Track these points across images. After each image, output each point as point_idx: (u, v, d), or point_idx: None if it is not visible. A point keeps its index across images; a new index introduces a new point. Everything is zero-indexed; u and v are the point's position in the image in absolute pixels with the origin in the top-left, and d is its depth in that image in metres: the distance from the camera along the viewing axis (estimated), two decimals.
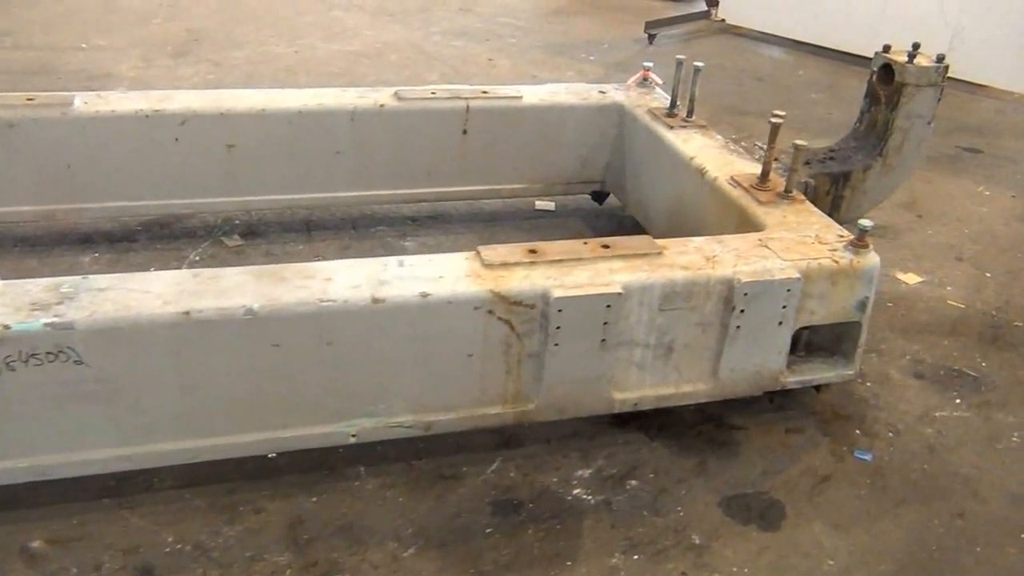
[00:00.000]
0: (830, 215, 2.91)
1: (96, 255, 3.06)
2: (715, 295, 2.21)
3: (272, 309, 1.92)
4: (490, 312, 2.05)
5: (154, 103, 2.97)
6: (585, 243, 2.25)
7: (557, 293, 2.06)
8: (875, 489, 2.28)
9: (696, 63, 3.03)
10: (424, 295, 2.00)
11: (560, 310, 2.07)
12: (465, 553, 2.01)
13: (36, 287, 1.90)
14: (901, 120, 2.97)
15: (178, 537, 1.98)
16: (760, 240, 2.35)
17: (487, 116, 3.25)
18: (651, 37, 6.25)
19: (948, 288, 3.29)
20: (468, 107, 3.22)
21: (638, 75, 3.49)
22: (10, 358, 1.79)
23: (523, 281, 2.08)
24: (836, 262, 2.29)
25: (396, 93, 3.19)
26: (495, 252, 2.16)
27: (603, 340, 2.15)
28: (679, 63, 3.07)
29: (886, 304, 3.13)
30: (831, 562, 2.05)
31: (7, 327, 1.78)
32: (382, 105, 3.14)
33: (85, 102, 2.92)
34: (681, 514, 2.16)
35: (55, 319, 1.81)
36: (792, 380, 2.41)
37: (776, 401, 2.54)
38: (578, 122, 3.34)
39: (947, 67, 2.91)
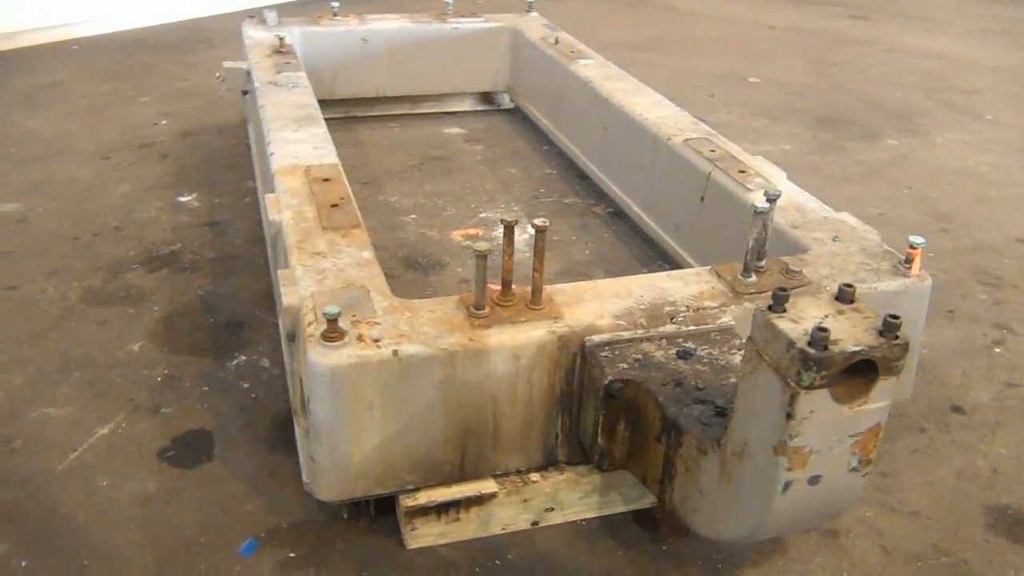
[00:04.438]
0: (662, 489, 1.92)
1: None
2: None
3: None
4: None
5: (595, 77, 3.75)
6: None
7: None
8: None
9: (759, 204, 2.07)
10: None
11: None
12: None
13: None
14: (740, 404, 1.50)
15: None
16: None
17: (720, 193, 2.80)
18: None
19: None
20: (709, 175, 2.85)
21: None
22: None
23: None
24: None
25: (689, 140, 3.06)
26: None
27: None
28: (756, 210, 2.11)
29: None
30: None
31: None
32: (669, 139, 3.10)
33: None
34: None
35: None
36: None
37: None
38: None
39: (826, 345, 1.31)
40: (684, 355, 1.93)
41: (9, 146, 4.20)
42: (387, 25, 4.48)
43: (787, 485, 1.44)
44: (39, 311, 2.89)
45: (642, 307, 2.05)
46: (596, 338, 1.96)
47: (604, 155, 3.66)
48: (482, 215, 3.69)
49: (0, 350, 2.68)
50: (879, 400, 1.40)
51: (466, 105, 4.86)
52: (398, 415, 1.91)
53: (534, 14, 4.76)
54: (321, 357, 1.83)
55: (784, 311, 1.42)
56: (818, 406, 1.37)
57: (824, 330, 1.32)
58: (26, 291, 3.00)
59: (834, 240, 2.39)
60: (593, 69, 3.85)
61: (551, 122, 4.23)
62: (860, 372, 1.39)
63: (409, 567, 2.00)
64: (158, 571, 1.95)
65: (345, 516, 2.09)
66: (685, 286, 2.14)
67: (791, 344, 1.35)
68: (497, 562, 2.02)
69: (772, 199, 2.11)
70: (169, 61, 5.65)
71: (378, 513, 2.10)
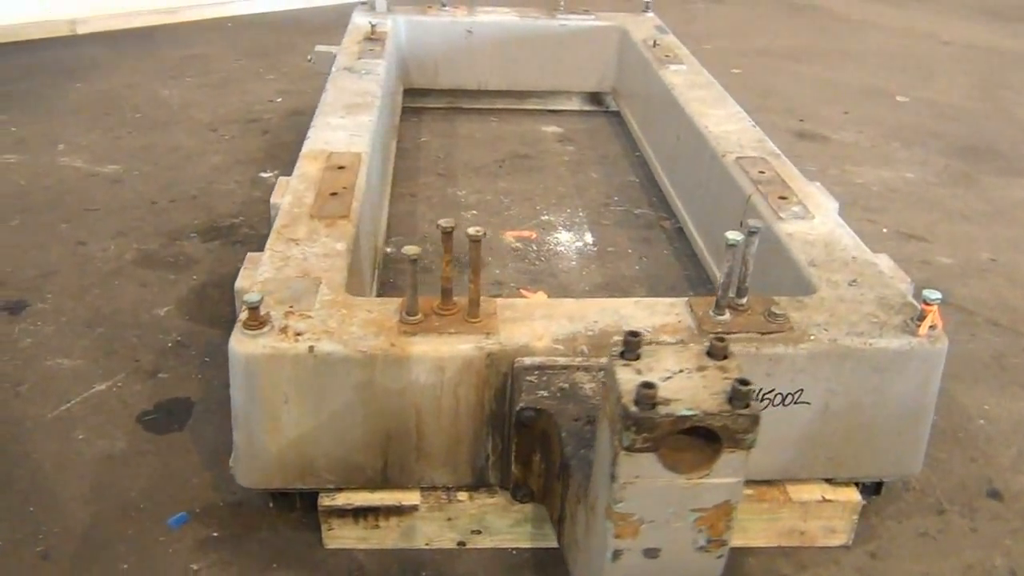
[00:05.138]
0: (558, 532, 1.81)
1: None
2: None
3: None
4: None
5: (678, 84, 3.54)
6: None
7: None
8: None
9: (731, 237, 1.86)
10: None
11: None
12: None
13: None
14: (596, 457, 1.35)
15: None
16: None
17: (754, 218, 2.55)
18: None
19: None
20: (749, 199, 2.61)
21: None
22: None
23: None
24: None
25: (742, 158, 2.81)
26: None
27: None
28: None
29: None
30: None
31: None
32: (723, 156, 2.87)
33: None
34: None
35: None
36: None
37: None
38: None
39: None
40: None
41: (135, 112, 4.54)
42: (493, 18, 4.45)
43: (617, 553, 1.28)
44: (93, 267, 3.09)
45: (590, 333, 1.90)
46: (527, 360, 1.84)
47: (673, 166, 3.46)
48: (544, 218, 3.59)
49: (47, 300, 2.89)
50: (726, 475, 1.21)
51: (574, 104, 4.74)
52: (316, 412, 1.87)
53: (650, 14, 4.57)
54: (237, 344, 1.83)
55: (637, 359, 1.26)
56: (645, 471, 1.20)
57: (650, 386, 1.16)
58: (91, 247, 3.22)
59: (851, 284, 2.12)
60: (680, 75, 3.64)
61: (640, 127, 4.05)
62: (708, 440, 1.21)
63: (319, 566, 1.97)
64: (88, 530, 2.03)
65: (270, 505, 2.08)
66: (650, 316, 1.97)
67: (619, 398, 1.19)
68: None
69: (753, 232, 1.89)
70: (309, 42, 5.84)
71: (313, 507, 2.08)
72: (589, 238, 3.44)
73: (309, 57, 3.97)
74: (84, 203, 3.55)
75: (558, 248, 3.36)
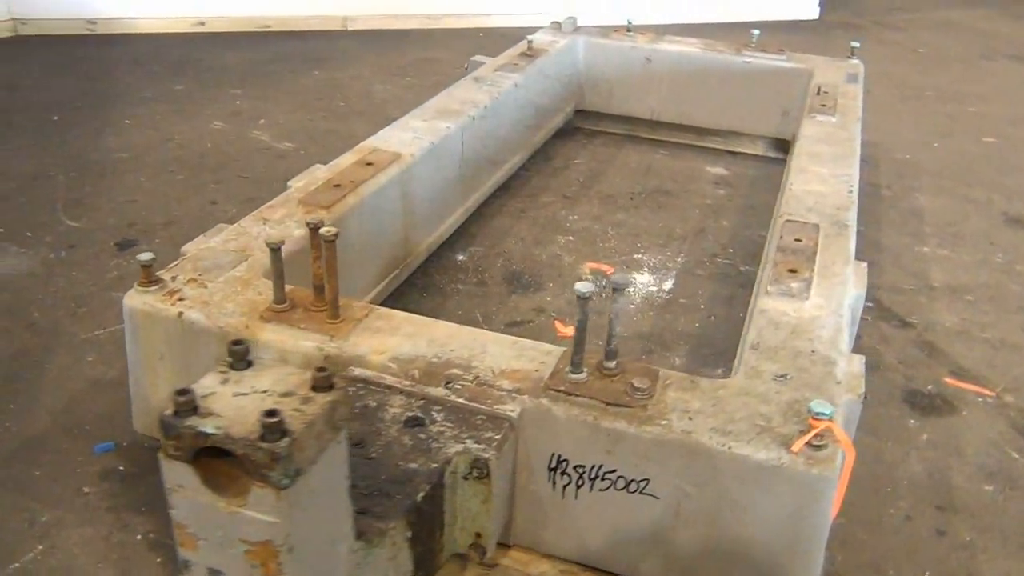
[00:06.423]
0: None
1: None
2: None
3: None
4: None
5: (810, 136, 3.14)
6: None
7: None
8: None
9: (581, 289, 1.67)
10: None
11: None
12: None
13: None
14: None
15: None
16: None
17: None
18: None
19: None
20: (766, 266, 2.27)
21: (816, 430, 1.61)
22: None
23: None
24: None
25: (791, 220, 2.44)
26: None
27: None
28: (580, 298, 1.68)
29: None
30: None
31: None
32: (781, 216, 2.52)
33: None
34: None
35: None
36: None
37: None
38: None
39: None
40: (412, 423, 1.66)
41: (341, 101, 4.99)
42: (674, 47, 4.26)
43: (186, 564, 1.22)
44: (208, 224, 3.39)
45: (434, 360, 1.80)
46: (356, 371, 1.79)
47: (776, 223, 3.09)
48: (637, 256, 3.39)
49: (153, 244, 3.31)
50: (261, 511, 1.11)
51: (757, 149, 4.40)
52: (188, 375, 1.97)
53: (854, 60, 4.10)
54: (127, 297, 1.99)
55: (244, 367, 1.20)
56: (185, 482, 1.14)
57: (184, 393, 1.11)
58: (219, 207, 3.63)
59: (776, 378, 1.77)
60: (819, 127, 3.24)
61: (785, 179, 3.65)
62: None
63: None
64: (36, 436, 2.31)
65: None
66: (510, 358, 1.81)
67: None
68: None
69: (618, 288, 1.67)
70: None
71: None
72: (668, 285, 3.19)
73: (465, 65, 4.10)
74: (242, 170, 4.00)
75: (627, 289, 3.16)
